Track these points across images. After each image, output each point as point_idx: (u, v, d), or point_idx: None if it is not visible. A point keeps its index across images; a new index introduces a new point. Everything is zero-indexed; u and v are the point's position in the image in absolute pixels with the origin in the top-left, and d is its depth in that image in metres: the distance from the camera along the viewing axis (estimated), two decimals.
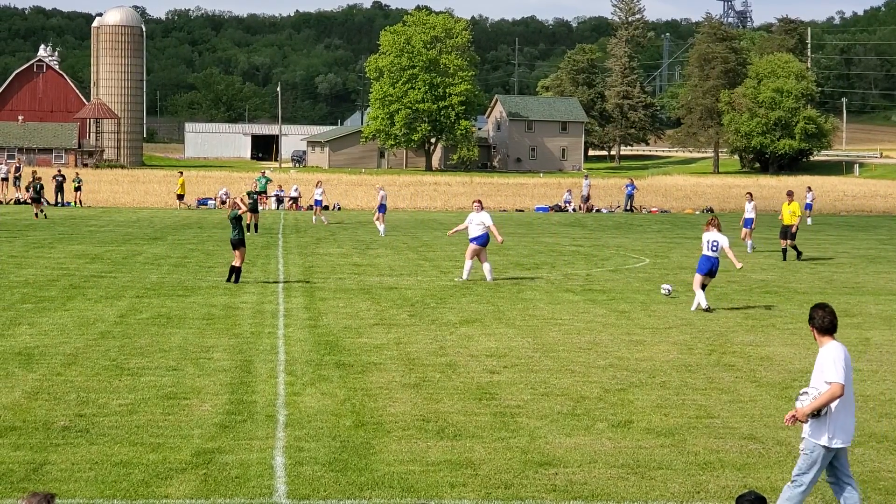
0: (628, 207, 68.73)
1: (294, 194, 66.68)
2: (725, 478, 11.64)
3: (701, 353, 18.86)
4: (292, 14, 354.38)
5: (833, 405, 9.74)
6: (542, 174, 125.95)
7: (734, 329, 21.49)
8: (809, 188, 64.21)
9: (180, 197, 63.67)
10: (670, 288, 26.63)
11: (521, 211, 67.57)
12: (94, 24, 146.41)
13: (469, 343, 19.45)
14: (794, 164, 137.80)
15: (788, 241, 36.27)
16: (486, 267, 28.75)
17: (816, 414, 9.73)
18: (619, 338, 20.21)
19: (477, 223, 28.46)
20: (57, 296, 24.52)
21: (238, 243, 27.41)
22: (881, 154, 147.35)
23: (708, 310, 23.62)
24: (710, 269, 24.03)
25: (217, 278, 28.36)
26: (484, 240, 28.51)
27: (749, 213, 39.55)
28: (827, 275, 31.94)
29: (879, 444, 13.07)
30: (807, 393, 9.81)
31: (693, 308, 23.85)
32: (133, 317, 21.72)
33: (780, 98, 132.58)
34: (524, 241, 43.14)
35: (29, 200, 63.77)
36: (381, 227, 44.89)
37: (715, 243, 24.08)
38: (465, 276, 28.74)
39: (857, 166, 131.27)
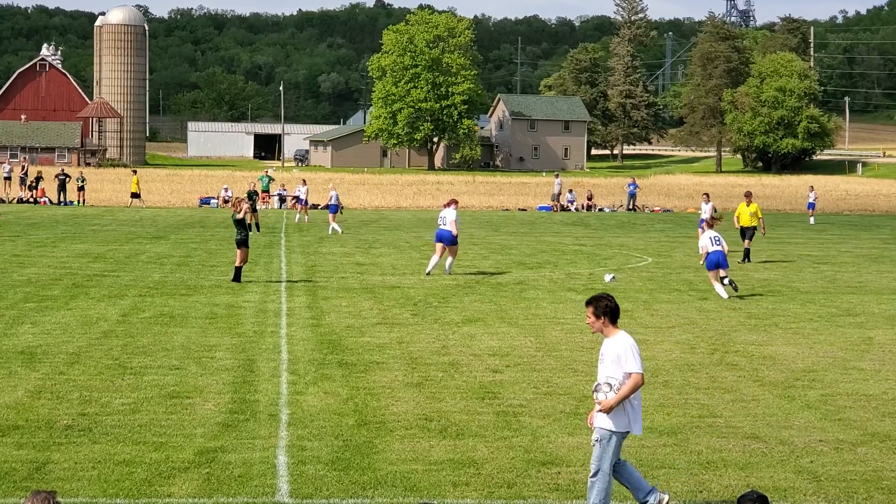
0: (630, 207, 68.77)
1: (298, 193, 66.62)
2: (728, 477, 11.63)
3: (703, 352, 18.86)
4: (295, 13, 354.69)
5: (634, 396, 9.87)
6: (544, 173, 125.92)
7: (737, 328, 21.48)
8: (812, 187, 64.17)
9: (135, 195, 63.07)
10: (612, 276, 29.07)
11: (523, 210, 67.57)
12: (97, 23, 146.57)
13: (472, 342, 19.45)
14: (796, 163, 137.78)
15: (747, 242, 35.03)
16: (449, 261, 29.90)
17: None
18: None
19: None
20: (60, 295, 24.53)
21: (241, 243, 27.36)
22: (884, 153, 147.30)
23: (734, 288, 25.78)
24: (717, 261, 25.75)
25: (220, 277, 28.37)
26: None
27: (706, 214, 37.62)
28: (830, 274, 31.93)
29: (882, 444, 13.05)
30: (609, 385, 9.83)
31: (725, 297, 25.57)
32: (136, 316, 21.73)
33: (783, 97, 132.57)
34: (527, 241, 43.13)
35: (31, 199, 63.94)
36: (334, 226, 44.89)
37: (717, 238, 26.04)
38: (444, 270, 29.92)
39: (859, 165, 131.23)
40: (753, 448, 12.77)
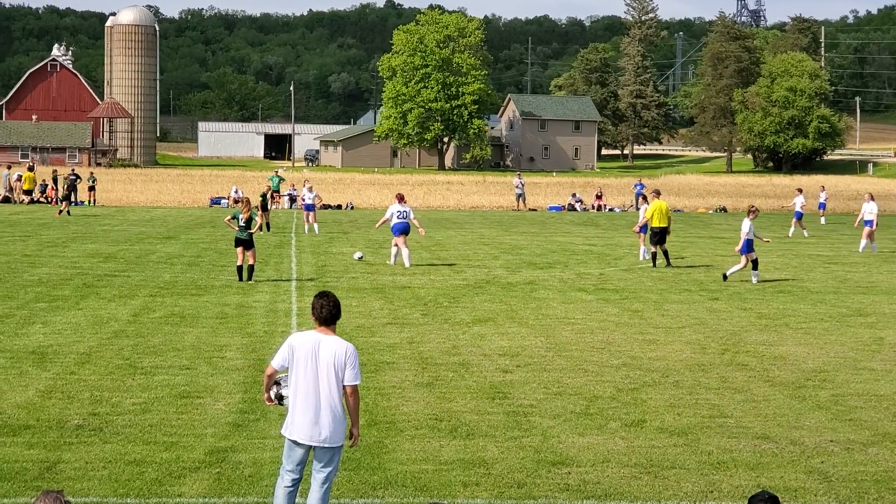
0: (638, 206, 68.66)
1: (303, 198, 66.52)
2: (738, 477, 11.62)
3: (714, 352, 18.83)
4: (305, 13, 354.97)
5: (291, 397, 9.60)
6: (554, 173, 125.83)
7: (747, 328, 21.45)
8: (823, 187, 64.05)
9: (27, 192, 62.47)
10: (361, 255, 33.26)
11: (533, 210, 67.54)
12: (108, 23, 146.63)
13: (482, 342, 19.44)
14: (807, 163, 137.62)
15: (659, 246, 32.47)
16: (405, 252, 31.69)
17: (280, 401, 9.75)
18: (632, 337, 20.19)
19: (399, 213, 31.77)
20: (70, 295, 24.57)
21: (244, 242, 27.20)
22: (895, 153, 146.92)
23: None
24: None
25: (230, 277, 28.39)
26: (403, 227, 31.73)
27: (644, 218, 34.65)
28: (841, 274, 31.86)
29: (893, 444, 13.03)
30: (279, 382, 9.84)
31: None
32: (146, 316, 21.76)
33: (794, 97, 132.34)
34: (537, 241, 43.10)
35: (42, 199, 64.02)
36: (315, 226, 44.85)
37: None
38: (392, 261, 32.15)
39: (870, 165, 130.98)
40: (764, 448, 12.75)
